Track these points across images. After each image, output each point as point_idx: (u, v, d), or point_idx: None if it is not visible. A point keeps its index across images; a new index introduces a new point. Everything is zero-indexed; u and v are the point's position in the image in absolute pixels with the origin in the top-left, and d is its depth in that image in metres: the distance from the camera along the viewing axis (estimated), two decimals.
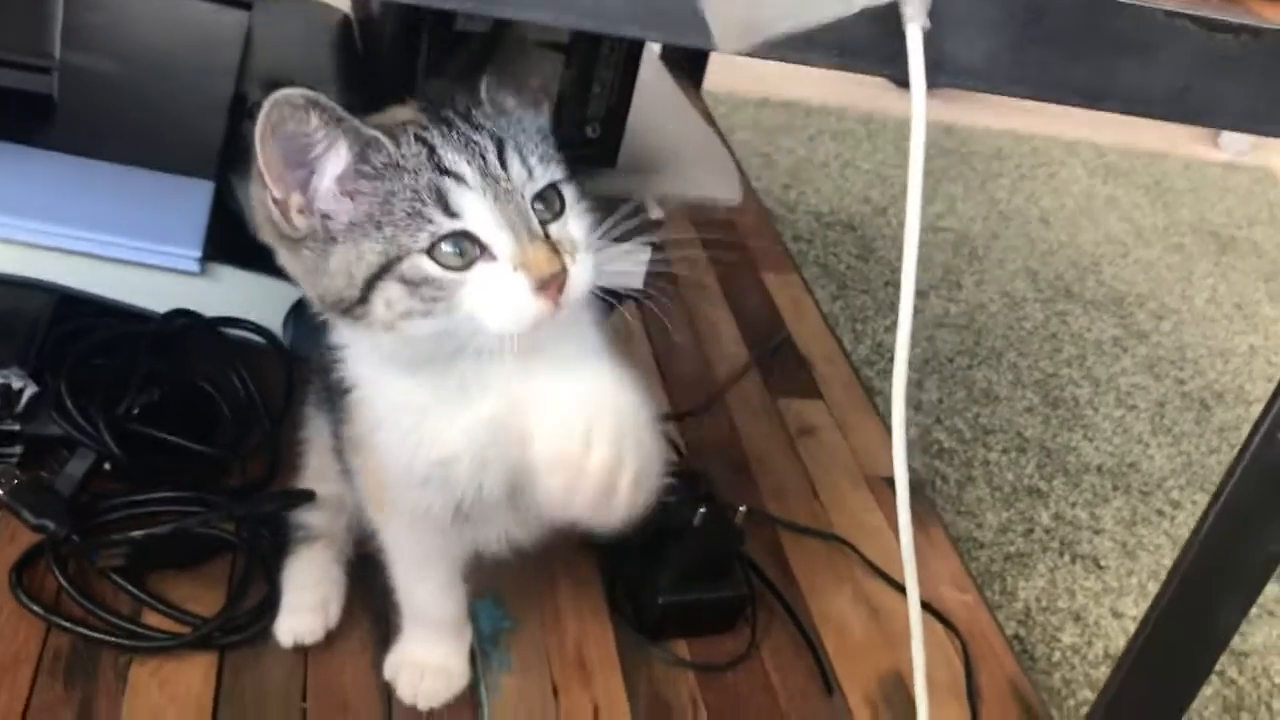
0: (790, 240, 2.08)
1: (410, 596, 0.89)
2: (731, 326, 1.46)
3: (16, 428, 0.97)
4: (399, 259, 0.66)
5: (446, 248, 0.66)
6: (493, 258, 0.66)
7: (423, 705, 0.88)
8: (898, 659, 1.03)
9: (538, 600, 1.00)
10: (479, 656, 0.93)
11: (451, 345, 0.69)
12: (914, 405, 1.78)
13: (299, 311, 1.10)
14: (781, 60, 0.55)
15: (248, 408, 1.07)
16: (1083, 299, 2.19)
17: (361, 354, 0.76)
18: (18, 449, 0.98)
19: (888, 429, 1.37)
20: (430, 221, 0.65)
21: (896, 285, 2.07)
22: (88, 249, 1.04)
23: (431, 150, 0.67)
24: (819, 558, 1.12)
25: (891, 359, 1.87)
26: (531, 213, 0.68)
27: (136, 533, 0.89)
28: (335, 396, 0.83)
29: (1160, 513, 1.69)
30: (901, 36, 0.55)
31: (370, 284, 0.66)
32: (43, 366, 0.99)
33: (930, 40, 0.55)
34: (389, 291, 0.66)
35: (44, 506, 0.92)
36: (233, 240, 1.09)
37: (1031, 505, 1.64)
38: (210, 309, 1.09)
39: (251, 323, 1.10)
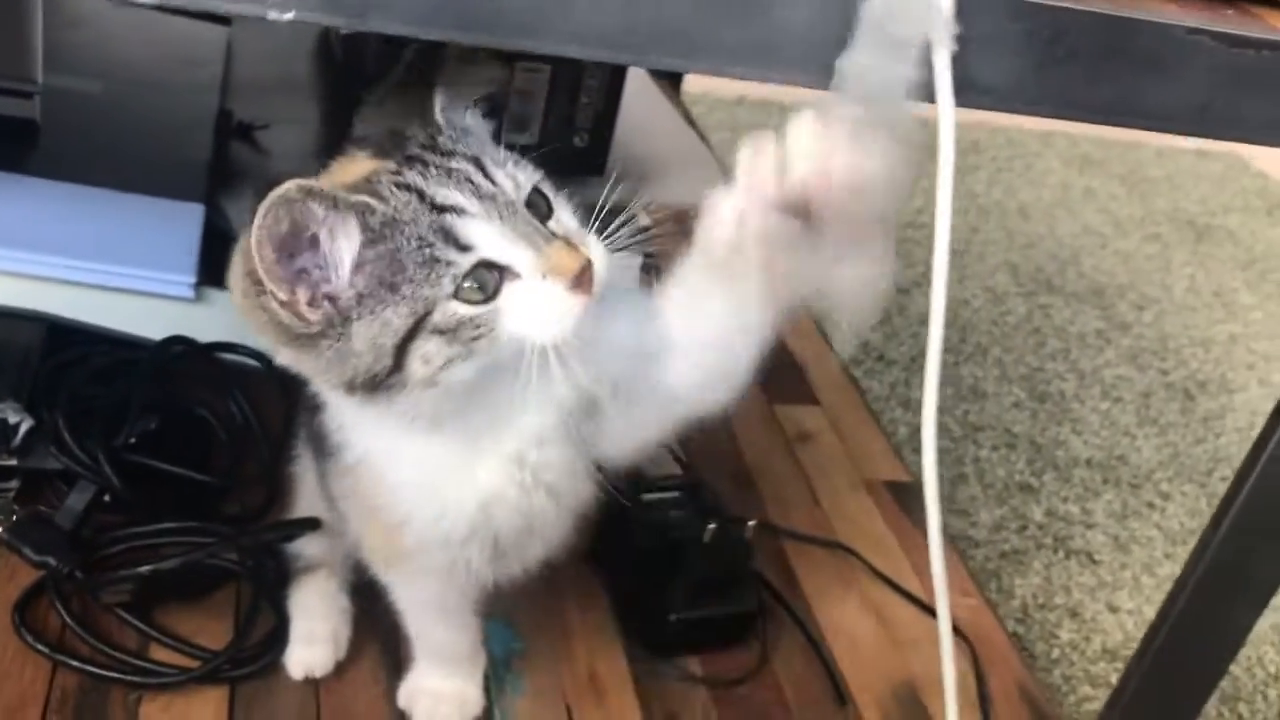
0: None
1: (424, 637, 0.88)
2: None
3: (13, 463, 0.95)
4: (428, 313, 0.63)
5: (468, 284, 0.63)
6: (516, 275, 0.64)
7: None
8: (909, 667, 1.03)
9: (547, 621, 0.99)
10: (492, 681, 0.92)
11: (489, 379, 0.66)
12: (903, 404, 1.79)
13: None
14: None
15: (245, 434, 1.06)
16: (1064, 291, 2.20)
17: (371, 427, 0.72)
18: (14, 484, 0.96)
19: (883, 432, 1.38)
20: (449, 264, 0.63)
21: None
22: (79, 278, 1.02)
23: (420, 193, 0.64)
24: (825, 567, 1.12)
25: (880, 358, 1.88)
26: (533, 219, 0.66)
27: (144, 568, 0.88)
28: (322, 445, 0.80)
29: (1150, 505, 1.70)
30: (929, 61, 0.55)
31: (402, 348, 0.63)
32: (37, 399, 0.97)
33: (956, 62, 0.55)
34: (425, 348, 0.63)
35: (45, 542, 0.91)
36: (224, 261, 1.08)
37: (1024, 502, 1.65)
38: (205, 334, 1.07)
39: (247, 347, 1.08)
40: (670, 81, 2.02)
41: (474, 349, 0.64)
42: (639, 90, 1.55)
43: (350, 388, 0.65)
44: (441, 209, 0.64)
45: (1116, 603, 1.52)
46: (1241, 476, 0.79)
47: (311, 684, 0.89)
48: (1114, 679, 1.40)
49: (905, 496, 1.23)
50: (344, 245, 0.63)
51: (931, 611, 1.10)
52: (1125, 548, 1.62)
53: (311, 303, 0.63)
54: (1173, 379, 2.01)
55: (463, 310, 0.63)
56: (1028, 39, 0.57)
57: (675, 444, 1.19)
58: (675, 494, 1.04)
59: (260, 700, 0.88)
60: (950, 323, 2.01)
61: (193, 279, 1.05)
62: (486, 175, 0.66)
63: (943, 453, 1.70)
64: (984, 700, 1.02)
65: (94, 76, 1.23)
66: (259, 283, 0.62)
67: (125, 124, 1.20)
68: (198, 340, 1.07)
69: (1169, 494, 1.73)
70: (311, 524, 0.93)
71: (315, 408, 0.78)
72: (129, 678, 0.86)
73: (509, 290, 0.64)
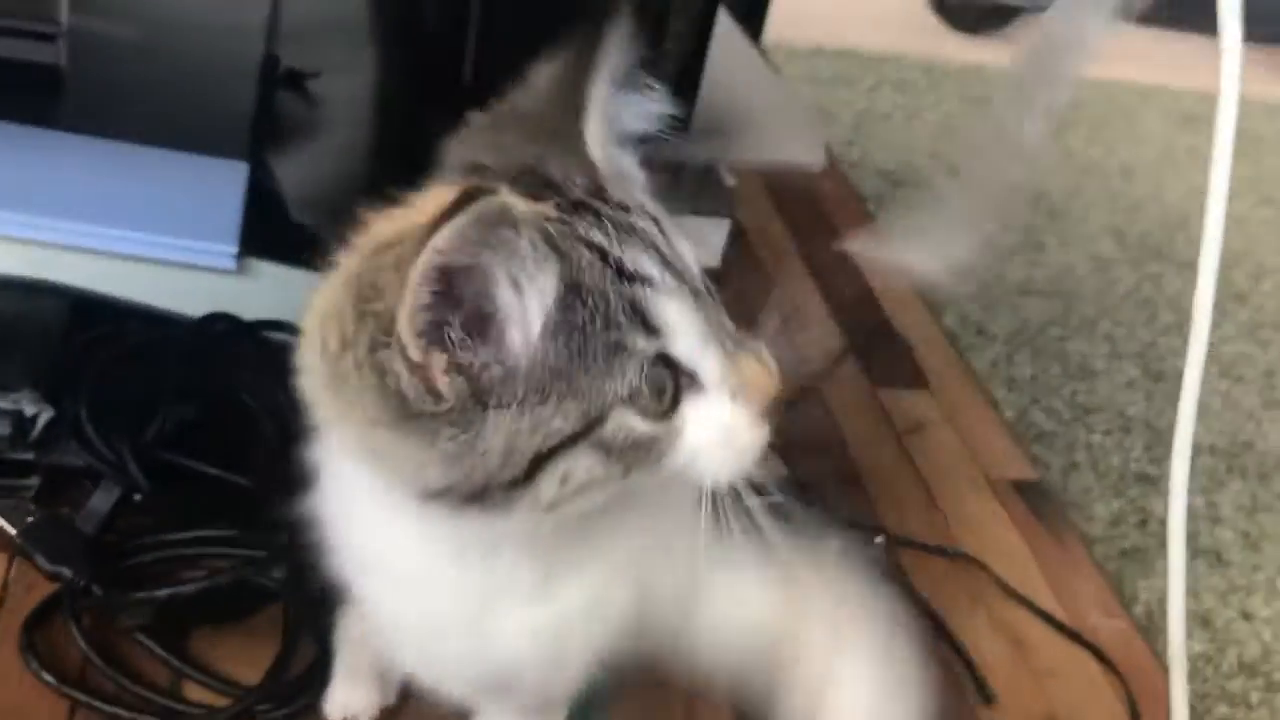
0: None
1: None
2: (820, 306, 1.32)
3: (31, 457, 0.84)
4: (600, 419, 0.46)
5: (645, 387, 0.47)
6: (700, 387, 0.48)
7: None
8: (1051, 700, 0.90)
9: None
10: None
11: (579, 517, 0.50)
12: (1006, 384, 1.64)
13: None
14: None
15: (294, 425, 0.93)
16: (1174, 259, 2.04)
17: (377, 500, 0.54)
18: (34, 481, 0.85)
19: (1003, 420, 1.24)
20: (631, 352, 0.46)
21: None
22: (106, 246, 0.92)
23: (602, 252, 0.47)
24: (947, 580, 0.99)
25: (979, 332, 1.73)
26: (720, 308, 0.50)
27: (161, 591, 0.76)
28: None
29: None
30: None
31: (542, 459, 0.46)
32: (59, 384, 0.86)
33: None
34: (575, 464, 0.47)
35: (61, 549, 0.80)
36: (271, 229, 0.97)
37: (1143, 493, 1.50)
38: (249, 311, 0.96)
39: (296, 325, 0.96)
40: (750, 32, 1.88)
41: (626, 476, 0.48)
42: (726, 39, 1.41)
43: (444, 494, 0.48)
44: (630, 278, 0.47)
45: (1250, 609, 1.37)
46: None
47: None
48: (1254, 698, 1.26)
49: (1033, 497, 1.10)
50: (535, 304, 0.46)
51: (1072, 634, 0.97)
52: (1256, 545, 1.47)
53: (448, 371, 0.46)
54: None
55: (639, 426, 0.47)
56: None
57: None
58: (782, 500, 0.90)
59: None
60: (1054, 292, 1.86)
61: (235, 248, 0.94)
62: (668, 240, 0.49)
63: (1051, 437, 1.55)
64: None
65: (125, 17, 1.13)
66: (387, 331, 0.45)
67: (159, 71, 1.10)
68: (241, 318, 0.96)
69: None
70: None
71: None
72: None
73: (692, 406, 0.48)
